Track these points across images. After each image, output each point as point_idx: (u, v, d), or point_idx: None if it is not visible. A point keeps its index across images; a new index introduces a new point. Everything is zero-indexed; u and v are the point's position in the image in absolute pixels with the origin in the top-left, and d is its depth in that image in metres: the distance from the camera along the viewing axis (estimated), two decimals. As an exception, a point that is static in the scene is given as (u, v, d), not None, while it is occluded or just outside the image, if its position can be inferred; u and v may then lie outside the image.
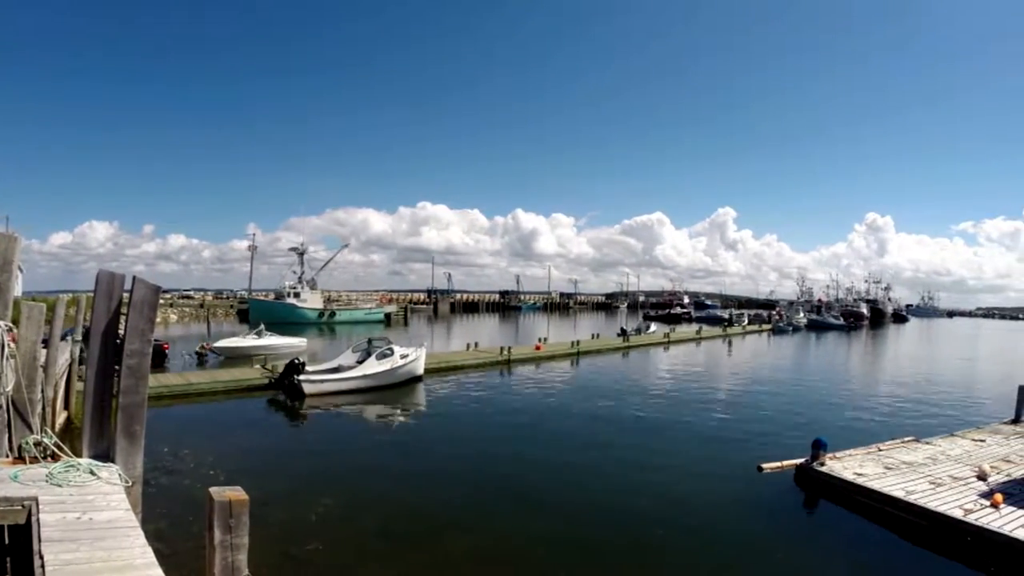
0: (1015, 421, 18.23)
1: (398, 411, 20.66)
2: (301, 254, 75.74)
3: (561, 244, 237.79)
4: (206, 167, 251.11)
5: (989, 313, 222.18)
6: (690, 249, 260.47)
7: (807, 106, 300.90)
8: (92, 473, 6.54)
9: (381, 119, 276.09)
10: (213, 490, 4.86)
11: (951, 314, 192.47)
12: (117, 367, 7.05)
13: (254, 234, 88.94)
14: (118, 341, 7.24)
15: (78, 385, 16.03)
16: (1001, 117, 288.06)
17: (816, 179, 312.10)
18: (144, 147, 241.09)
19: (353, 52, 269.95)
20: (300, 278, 74.04)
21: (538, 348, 37.73)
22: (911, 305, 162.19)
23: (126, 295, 7.16)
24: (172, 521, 9.55)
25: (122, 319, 7.22)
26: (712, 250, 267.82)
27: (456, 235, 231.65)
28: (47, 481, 6.24)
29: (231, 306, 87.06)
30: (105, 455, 6.97)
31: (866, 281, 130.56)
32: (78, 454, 7.02)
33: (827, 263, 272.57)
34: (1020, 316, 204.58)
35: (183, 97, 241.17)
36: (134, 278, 7.10)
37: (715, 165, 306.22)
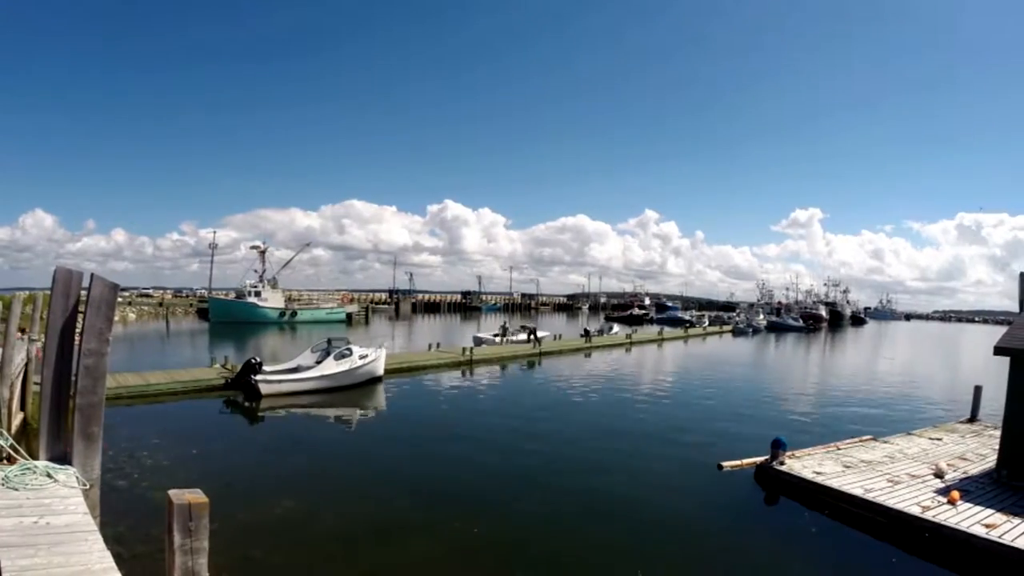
0: (971, 420, 18.84)
1: (356, 412, 20.51)
2: (263, 252, 74.40)
3: (491, 240, 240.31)
4: (132, 163, 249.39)
5: (946, 316, 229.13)
6: (620, 250, 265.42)
7: (734, 107, 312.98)
8: (49, 476, 6.39)
9: (306, 116, 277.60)
10: (172, 492, 4.76)
11: (908, 317, 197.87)
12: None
13: (215, 232, 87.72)
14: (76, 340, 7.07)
15: (34, 386, 15.55)
16: (923, 122, 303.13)
17: (749, 179, 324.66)
18: (70, 136, 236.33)
19: (278, 49, 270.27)
20: (261, 277, 72.74)
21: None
22: (869, 308, 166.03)
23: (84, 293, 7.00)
24: (131, 524, 9.30)
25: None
26: (647, 248, 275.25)
27: (386, 231, 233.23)
28: (3, 484, 6.08)
29: (191, 305, 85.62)
30: (62, 457, 6.80)
31: (825, 284, 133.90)
32: (35, 456, 6.84)
33: (765, 258, 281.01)
34: (976, 319, 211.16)
35: (106, 85, 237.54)
36: (92, 275, 6.93)
37: (640, 167, 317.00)
